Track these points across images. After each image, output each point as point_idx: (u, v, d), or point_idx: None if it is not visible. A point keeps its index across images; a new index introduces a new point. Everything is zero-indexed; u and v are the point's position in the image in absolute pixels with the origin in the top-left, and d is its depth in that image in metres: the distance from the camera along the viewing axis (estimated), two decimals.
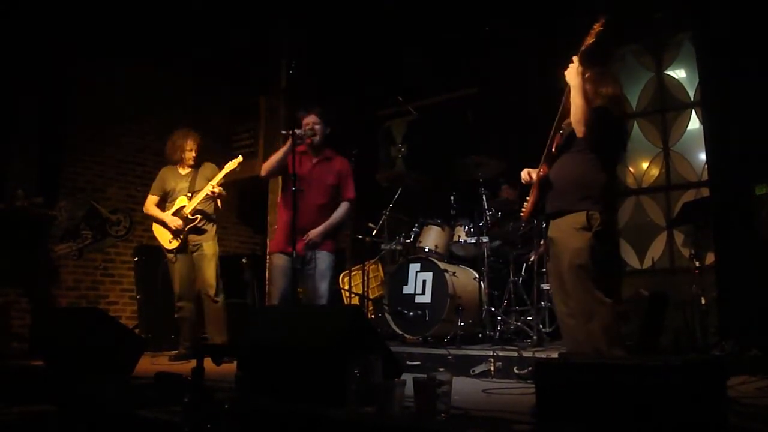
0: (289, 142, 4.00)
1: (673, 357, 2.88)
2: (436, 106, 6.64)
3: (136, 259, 6.12)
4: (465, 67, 6.26)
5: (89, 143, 6.09)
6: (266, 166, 4.24)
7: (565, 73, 3.04)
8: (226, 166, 4.83)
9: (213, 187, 4.77)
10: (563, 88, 3.10)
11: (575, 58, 3.02)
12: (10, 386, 3.55)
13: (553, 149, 3.16)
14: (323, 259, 4.10)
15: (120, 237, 6.15)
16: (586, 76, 3.04)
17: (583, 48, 3.02)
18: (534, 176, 3.27)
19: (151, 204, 5.00)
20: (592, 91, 3.05)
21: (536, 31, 5.55)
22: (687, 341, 4.55)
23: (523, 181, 3.39)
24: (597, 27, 2.98)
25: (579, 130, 2.98)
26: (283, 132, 4.31)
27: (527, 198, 3.30)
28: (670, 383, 1.77)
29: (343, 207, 4.20)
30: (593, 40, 2.99)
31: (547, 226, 3.34)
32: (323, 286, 4.10)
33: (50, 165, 5.81)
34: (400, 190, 5.33)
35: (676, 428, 1.74)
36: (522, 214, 3.35)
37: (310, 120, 4.17)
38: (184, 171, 5.03)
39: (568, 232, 3.00)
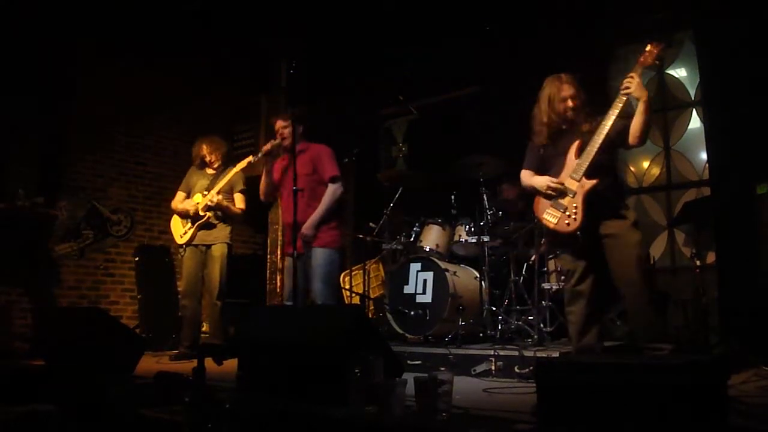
0: (266, 164, 4.26)
1: (675, 356, 2.88)
2: (437, 105, 6.63)
3: (137, 258, 6.13)
4: (465, 67, 6.25)
5: (90, 143, 6.09)
6: (262, 194, 4.41)
7: (630, 88, 3.19)
8: (237, 165, 4.87)
9: (214, 195, 4.84)
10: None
11: (636, 75, 3.22)
12: (11, 386, 3.55)
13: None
14: (315, 256, 4.11)
15: (121, 237, 6.16)
16: None
17: (647, 65, 3.32)
18: (566, 187, 3.27)
19: (176, 200, 5.09)
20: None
21: (537, 31, 5.54)
22: (688, 341, 4.54)
23: (552, 192, 3.30)
24: (659, 51, 3.28)
25: (640, 141, 3.24)
26: (253, 157, 4.57)
27: (573, 211, 3.22)
28: (671, 382, 1.77)
29: (329, 190, 4.20)
30: (653, 62, 3.33)
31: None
32: (316, 284, 4.10)
33: (51, 165, 5.81)
34: (400, 189, 5.33)
35: (677, 427, 1.74)
36: (574, 228, 3.24)
37: (279, 125, 4.27)
38: (210, 171, 5.13)
39: (628, 228, 3.25)
